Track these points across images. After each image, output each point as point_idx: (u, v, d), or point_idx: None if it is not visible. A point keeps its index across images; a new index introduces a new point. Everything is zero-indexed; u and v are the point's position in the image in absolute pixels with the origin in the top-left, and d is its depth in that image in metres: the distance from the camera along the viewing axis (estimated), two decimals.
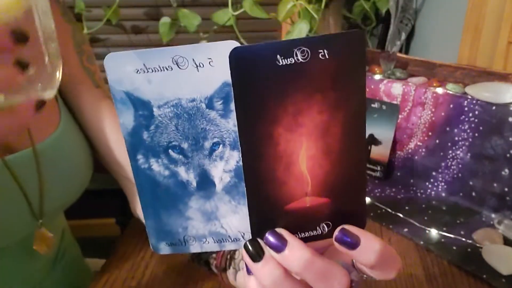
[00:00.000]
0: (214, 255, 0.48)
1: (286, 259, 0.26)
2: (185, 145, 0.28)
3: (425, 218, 0.65)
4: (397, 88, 0.76)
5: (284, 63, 0.24)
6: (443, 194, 0.72)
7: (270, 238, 0.27)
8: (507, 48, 0.72)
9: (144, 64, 0.26)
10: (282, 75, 0.25)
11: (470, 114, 0.67)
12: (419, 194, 0.73)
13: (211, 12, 1.01)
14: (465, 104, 0.67)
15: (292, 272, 0.27)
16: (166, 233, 0.30)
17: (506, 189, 0.63)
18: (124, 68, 0.26)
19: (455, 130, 0.69)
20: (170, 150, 0.28)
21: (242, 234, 0.30)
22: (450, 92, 0.69)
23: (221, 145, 0.28)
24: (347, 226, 0.27)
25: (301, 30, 0.83)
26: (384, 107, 0.77)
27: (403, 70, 0.79)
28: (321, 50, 0.24)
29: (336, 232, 0.27)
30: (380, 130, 0.77)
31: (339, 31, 0.97)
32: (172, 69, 0.26)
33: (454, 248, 0.58)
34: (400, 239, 0.61)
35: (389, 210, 0.67)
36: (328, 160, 0.27)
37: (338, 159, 0.27)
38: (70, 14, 0.56)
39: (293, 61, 0.24)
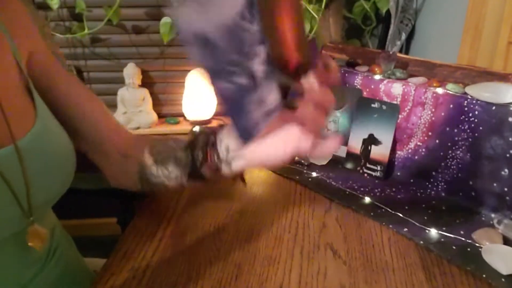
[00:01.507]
0: (201, 159, 0.48)
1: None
2: (235, 57, 0.38)
3: (425, 217, 0.65)
4: (397, 88, 0.77)
5: None
6: (443, 194, 0.72)
7: None
8: (507, 48, 0.72)
9: None
10: None
11: (470, 114, 0.67)
12: (419, 194, 0.73)
13: None
14: (465, 104, 0.67)
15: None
16: (243, 130, 0.43)
17: (505, 189, 0.63)
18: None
19: (455, 130, 0.69)
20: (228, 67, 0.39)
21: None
22: (450, 92, 0.70)
23: (255, 46, 0.38)
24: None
25: None
26: (384, 107, 0.77)
27: (403, 70, 0.79)
28: None
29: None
30: (380, 130, 0.78)
31: (339, 31, 0.97)
32: None
33: (454, 247, 0.58)
34: (400, 239, 0.61)
35: (389, 210, 0.67)
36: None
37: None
38: None
39: None
